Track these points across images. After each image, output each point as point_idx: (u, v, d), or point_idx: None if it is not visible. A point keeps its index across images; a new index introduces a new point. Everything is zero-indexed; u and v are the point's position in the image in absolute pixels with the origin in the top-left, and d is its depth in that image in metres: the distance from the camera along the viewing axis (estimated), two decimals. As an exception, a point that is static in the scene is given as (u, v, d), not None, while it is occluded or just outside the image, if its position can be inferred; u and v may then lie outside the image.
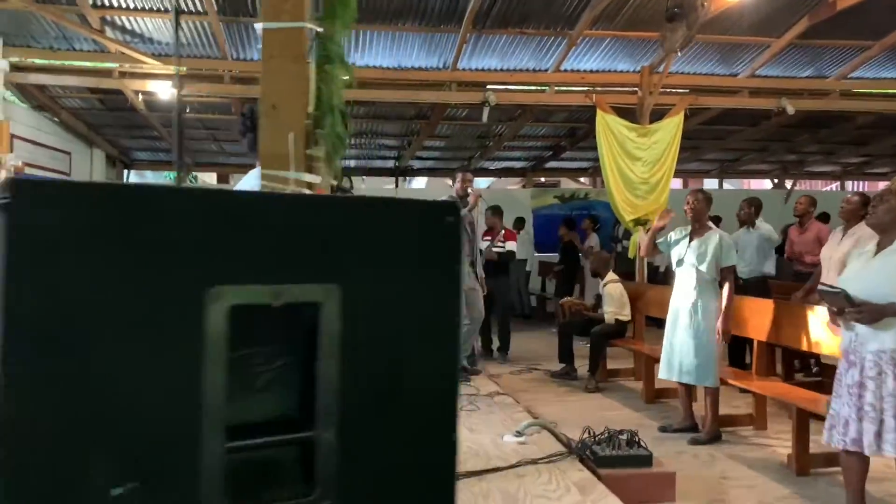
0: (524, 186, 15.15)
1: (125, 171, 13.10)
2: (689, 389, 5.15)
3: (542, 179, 16.90)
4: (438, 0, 7.60)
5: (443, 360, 1.33)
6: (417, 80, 9.09)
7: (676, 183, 18.11)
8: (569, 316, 7.47)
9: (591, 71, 9.26)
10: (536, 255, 13.38)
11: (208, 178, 14.96)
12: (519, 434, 4.41)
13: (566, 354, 7.11)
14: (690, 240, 4.98)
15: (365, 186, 15.98)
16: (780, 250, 7.63)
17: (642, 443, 4.03)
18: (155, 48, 8.41)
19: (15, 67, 8.36)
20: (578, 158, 13.86)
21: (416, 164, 13.96)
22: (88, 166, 11.64)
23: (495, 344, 8.17)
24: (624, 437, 4.03)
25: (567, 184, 16.05)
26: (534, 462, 3.90)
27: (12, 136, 9.00)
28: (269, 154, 1.75)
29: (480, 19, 7.95)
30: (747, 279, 6.55)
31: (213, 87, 8.77)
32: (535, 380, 7.08)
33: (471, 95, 9.02)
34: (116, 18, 7.85)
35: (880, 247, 3.35)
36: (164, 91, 8.41)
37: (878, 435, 3.14)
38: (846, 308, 3.20)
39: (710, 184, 16.08)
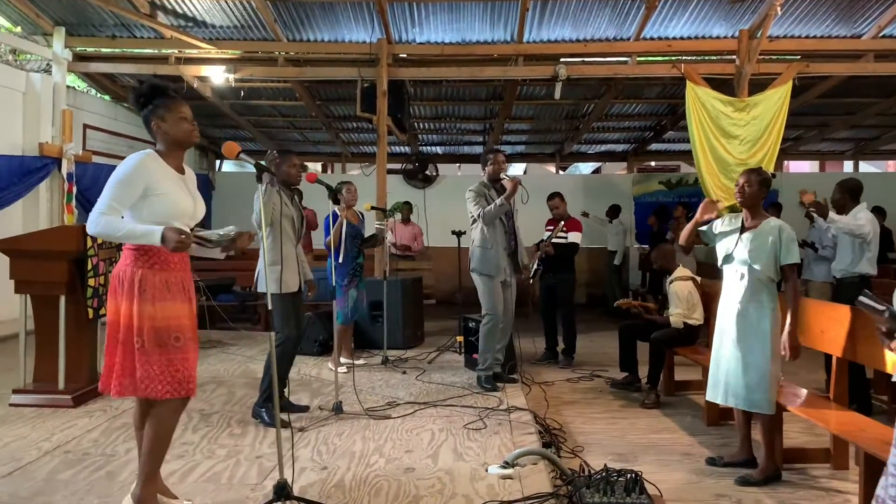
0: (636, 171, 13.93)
1: (216, 161, 13.18)
2: (748, 415, 4.14)
3: (653, 163, 15.56)
4: (492, -37, 6.87)
5: None
6: (483, 54, 8.34)
7: (805, 166, 16.26)
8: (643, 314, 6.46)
9: (680, 38, 8.13)
10: (637, 246, 12.28)
11: (315, 167, 14.63)
12: (507, 465, 3.64)
13: (628, 362, 6.18)
14: (742, 231, 3.97)
15: (461, 174, 15.43)
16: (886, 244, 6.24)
17: (646, 488, 3.16)
18: (209, 32, 8.19)
19: (78, 57, 8.42)
20: (685, 139, 12.54)
21: (507, 149, 13.14)
22: (175, 156, 11.77)
23: (561, 346, 7.30)
24: (623, 478, 3.19)
25: (686, 169, 14.66)
26: (501, 506, 3.14)
27: (85, 126, 9.13)
28: None
29: (541, -18, 7.13)
30: (841, 279, 5.37)
31: (267, 71, 8.44)
32: (592, 389, 6.19)
33: (540, 70, 8.16)
34: (167, 2, 7.66)
35: None
36: (218, 75, 8.17)
37: None
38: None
39: (847, 167, 14.19)
